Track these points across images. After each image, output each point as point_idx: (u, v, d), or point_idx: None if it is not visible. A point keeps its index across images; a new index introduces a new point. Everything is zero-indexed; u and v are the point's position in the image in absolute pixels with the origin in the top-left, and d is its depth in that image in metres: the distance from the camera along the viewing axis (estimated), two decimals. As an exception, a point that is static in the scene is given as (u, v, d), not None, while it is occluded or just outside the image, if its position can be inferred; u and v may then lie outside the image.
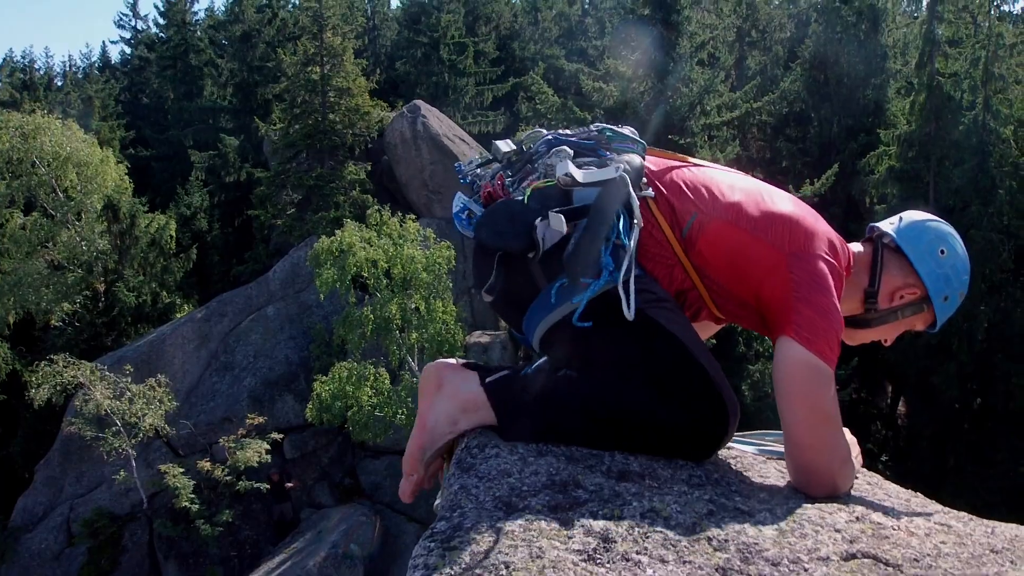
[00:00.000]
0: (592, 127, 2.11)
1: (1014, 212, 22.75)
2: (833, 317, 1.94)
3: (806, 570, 1.47)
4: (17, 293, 24.71)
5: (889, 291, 2.20)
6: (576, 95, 27.48)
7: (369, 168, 26.45)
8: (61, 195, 25.86)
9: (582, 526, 1.52)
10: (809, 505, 1.76)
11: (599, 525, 1.53)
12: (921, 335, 16.30)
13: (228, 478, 17.53)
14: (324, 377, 16.13)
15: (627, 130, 2.11)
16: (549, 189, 1.94)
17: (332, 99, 26.31)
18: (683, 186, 2.04)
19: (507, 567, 1.37)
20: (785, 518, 1.67)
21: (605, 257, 1.89)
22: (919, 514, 1.85)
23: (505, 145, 2.13)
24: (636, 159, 2.01)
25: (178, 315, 25.26)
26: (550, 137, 2.06)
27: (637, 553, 1.45)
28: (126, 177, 27.72)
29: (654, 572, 1.40)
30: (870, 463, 27.81)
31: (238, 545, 18.53)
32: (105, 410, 17.49)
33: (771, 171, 31.91)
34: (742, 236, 1.99)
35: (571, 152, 1.99)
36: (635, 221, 1.91)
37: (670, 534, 1.53)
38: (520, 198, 1.97)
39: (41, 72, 40.49)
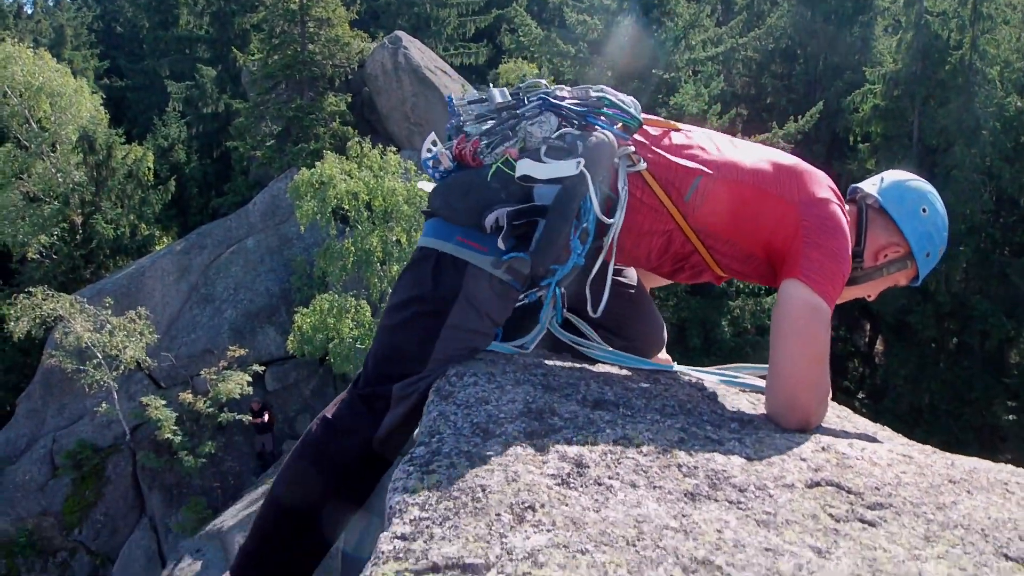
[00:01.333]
0: (592, 92, 2.10)
1: (997, 153, 22.81)
2: (841, 259, 2.02)
3: (771, 496, 1.52)
4: (-8, 225, 24.48)
5: (874, 250, 2.29)
6: (560, 27, 27.11)
7: (349, 100, 26.10)
8: (35, 126, 25.40)
9: (557, 452, 1.56)
10: (777, 435, 1.82)
11: (573, 451, 1.57)
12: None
13: (210, 410, 17.62)
14: (305, 309, 16.13)
15: (628, 100, 2.11)
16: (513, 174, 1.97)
17: (312, 29, 25.81)
18: (682, 152, 2.09)
19: (483, 490, 1.41)
20: (753, 447, 1.72)
21: (573, 240, 1.96)
22: (883, 446, 1.91)
23: (500, 95, 2.12)
24: (608, 141, 1.98)
25: (157, 247, 25.11)
26: (542, 99, 2.05)
27: (609, 478, 1.50)
28: (101, 108, 27.22)
29: (625, 496, 1.45)
30: (846, 400, 28.34)
31: (221, 476, 18.71)
32: (86, 343, 17.45)
33: (755, 107, 31.80)
34: (748, 192, 2.06)
35: (551, 126, 1.99)
36: (586, 221, 1.96)
37: (642, 460, 1.57)
38: (487, 168, 1.99)
39: (10, 0, 39.40)
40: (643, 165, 2.04)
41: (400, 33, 27.44)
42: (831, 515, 1.49)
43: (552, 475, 1.48)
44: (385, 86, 26.29)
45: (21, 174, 25.09)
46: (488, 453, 1.54)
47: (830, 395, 2.08)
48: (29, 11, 42.78)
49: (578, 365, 2.16)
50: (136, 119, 34.30)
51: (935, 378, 23.18)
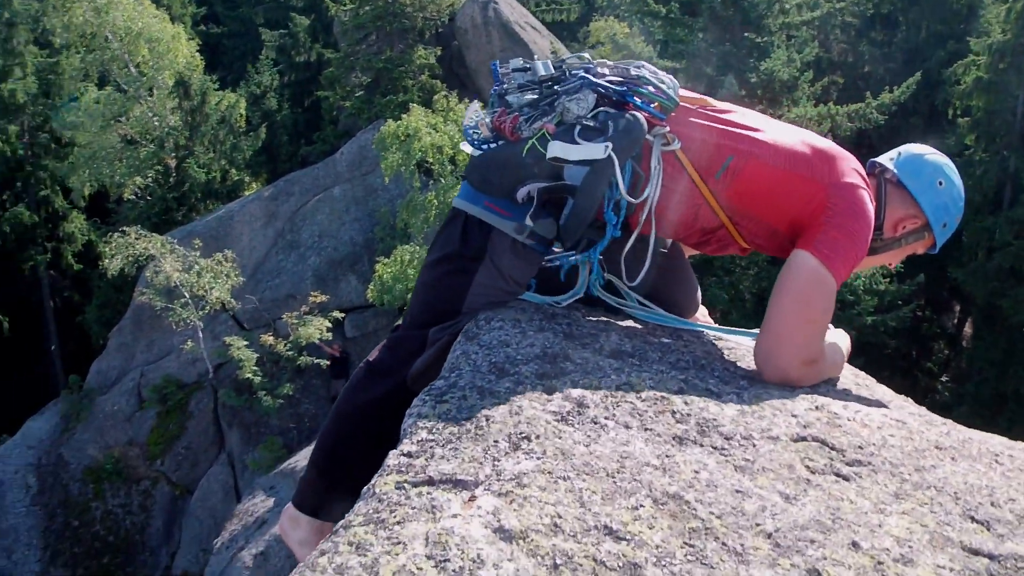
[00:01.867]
0: (633, 70, 2.19)
1: (1102, 131, 21.78)
2: (858, 242, 2.11)
3: (755, 446, 1.64)
4: (92, 166, 25.45)
5: (893, 222, 2.37)
6: (653, -13, 26.69)
7: (439, 53, 26.21)
8: (133, 70, 26.22)
9: (561, 392, 1.71)
10: (777, 393, 1.92)
11: (577, 392, 1.71)
12: (992, 257, 15.81)
13: (290, 353, 18.22)
14: (386, 259, 16.47)
15: (667, 80, 2.20)
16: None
17: (403, -21, 25.95)
18: (716, 131, 2.18)
19: (487, 420, 1.57)
20: (750, 402, 1.83)
21: (608, 212, 2.08)
22: (879, 410, 1.99)
23: (543, 68, 2.22)
24: (639, 123, 2.06)
25: (246, 193, 25.80)
26: (582, 77, 2.14)
27: (606, 418, 1.64)
28: (197, 54, 27.92)
29: (616, 435, 1.59)
30: (929, 382, 27.70)
31: (297, 418, 19.38)
32: (175, 282, 18.18)
33: (851, 76, 30.84)
34: (778, 173, 2.15)
35: (588, 104, 2.08)
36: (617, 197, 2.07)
37: (639, 405, 1.71)
38: (522, 143, 2.08)
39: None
40: (677, 145, 2.13)
41: (491, -13, 27.39)
42: (808, 467, 1.61)
43: (553, 412, 1.63)
44: (474, 40, 26.34)
45: (119, 117, 25.96)
46: (498, 389, 1.70)
47: (819, 363, 2.12)
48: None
49: (605, 318, 2.28)
50: (231, 65, 35.04)
51: (1023, 366, 22.47)
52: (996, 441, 2.04)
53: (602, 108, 2.10)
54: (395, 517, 1.30)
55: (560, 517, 1.32)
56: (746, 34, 21.67)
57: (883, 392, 2.42)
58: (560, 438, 1.54)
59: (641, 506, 1.38)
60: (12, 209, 27.77)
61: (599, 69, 2.20)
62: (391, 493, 1.37)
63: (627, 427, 1.62)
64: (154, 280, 18.39)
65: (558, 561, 1.23)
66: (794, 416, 1.79)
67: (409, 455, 1.47)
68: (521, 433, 1.53)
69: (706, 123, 2.19)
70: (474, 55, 26.46)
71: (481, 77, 26.37)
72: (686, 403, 1.75)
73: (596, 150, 2.00)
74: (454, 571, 1.18)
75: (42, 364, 28.08)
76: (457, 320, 2.13)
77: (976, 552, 1.46)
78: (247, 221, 22.16)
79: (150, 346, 21.15)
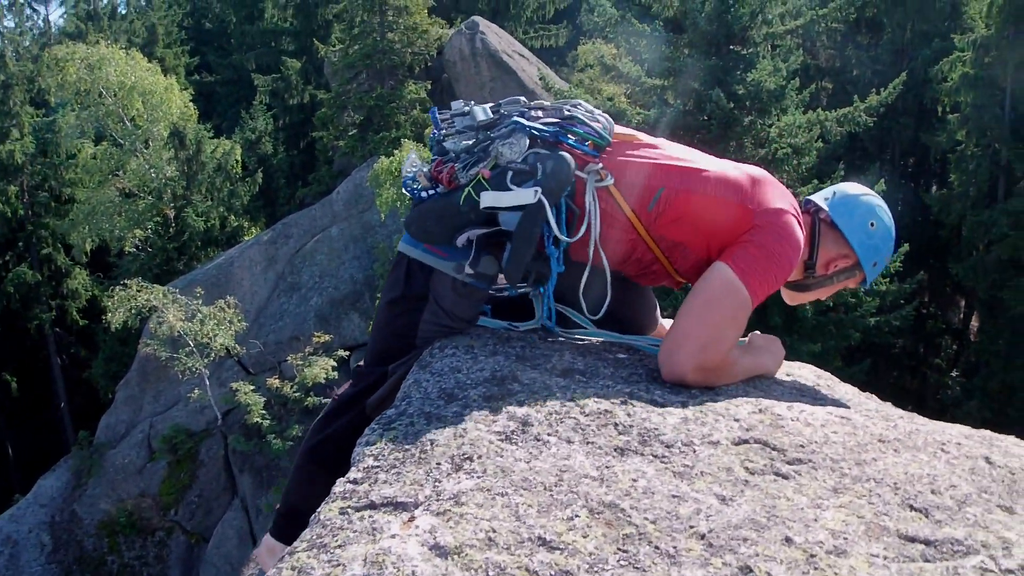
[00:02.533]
0: (567, 110, 2.25)
1: (1094, 121, 21.85)
2: (778, 261, 2.16)
3: (695, 451, 1.69)
4: (92, 221, 25.62)
5: (825, 261, 2.45)
6: (637, 6, 26.89)
7: (429, 87, 26.46)
8: (128, 124, 26.47)
9: (507, 412, 1.76)
10: (722, 400, 1.97)
11: (522, 411, 1.76)
12: (991, 250, 15.80)
13: (297, 394, 18.25)
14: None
15: (601, 118, 2.27)
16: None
17: (390, 18, 26.21)
18: (647, 166, 2.24)
19: (431, 443, 1.62)
20: (694, 410, 1.88)
21: (548, 247, 2.14)
22: (823, 408, 2.03)
23: (482, 112, 2.28)
24: (566, 163, 2.11)
25: (246, 238, 25.95)
26: (514, 121, 2.20)
27: (548, 435, 1.69)
28: (191, 104, 28.18)
29: (557, 450, 1.63)
30: (938, 378, 27.56)
31: (308, 458, 19.34)
32: (178, 331, 18.26)
33: (840, 80, 31.02)
34: (708, 201, 2.21)
35: (521, 148, 2.13)
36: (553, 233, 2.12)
37: (582, 420, 1.76)
38: (459, 191, 2.15)
39: (105, 1, 40.94)
40: (610, 181, 2.18)
41: (477, 18, 27.65)
42: (747, 468, 1.65)
43: (497, 432, 1.68)
44: (463, 72, 26.59)
45: (117, 171, 26.20)
46: (446, 414, 1.75)
47: (721, 370, 2.13)
48: (123, 11, 44.41)
49: (561, 339, 2.33)
50: (225, 112, 35.36)
51: (1028, 355, 22.38)
52: (953, 431, 2.08)
53: (533, 151, 2.15)
54: (336, 541, 1.35)
55: (495, 531, 1.36)
56: (731, 47, 21.83)
57: (844, 391, 2.46)
58: (502, 456, 1.59)
59: (576, 516, 1.42)
60: (15, 269, 27.98)
61: (534, 112, 2.26)
62: (334, 518, 1.42)
63: (569, 442, 1.67)
64: (158, 331, 18.47)
65: (491, 573, 1.27)
66: (736, 420, 1.84)
67: (355, 482, 1.52)
68: (464, 454, 1.58)
69: (638, 158, 2.24)
70: (464, 86, 26.68)
71: (472, 108, 26.53)
72: (629, 415, 1.80)
73: (526, 195, 2.05)
74: (389, 589, 1.23)
75: (52, 421, 28.16)
76: (412, 354, 2.20)
77: (912, 539, 1.50)
78: (247, 266, 22.28)
79: (157, 397, 21.20)
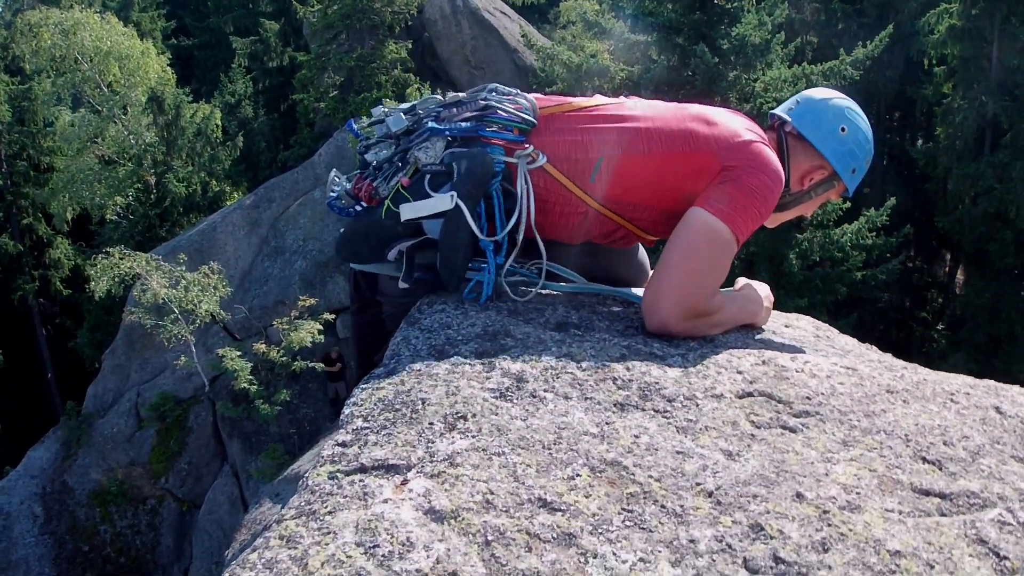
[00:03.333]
0: (481, 99, 2.15)
1: (1082, 73, 21.74)
2: (758, 195, 2.04)
3: (697, 405, 1.61)
4: (72, 189, 25.31)
5: (799, 176, 2.33)
6: (620, -39, 26.51)
7: (410, 46, 26.06)
8: (106, 90, 26.02)
9: (501, 369, 1.68)
10: (724, 351, 1.90)
11: (516, 367, 1.68)
12: (977, 203, 15.78)
13: (284, 359, 18.14)
14: (372, 257, 16.40)
15: (524, 101, 2.16)
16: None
17: (369, -24, 25.79)
18: (581, 135, 2.13)
19: (423, 402, 1.54)
20: (695, 363, 1.80)
21: (483, 242, 2.03)
22: (827, 359, 1.97)
23: (396, 121, 2.16)
24: (480, 159, 2.02)
25: (228, 203, 25.66)
26: (429, 126, 2.09)
27: (544, 391, 1.61)
28: (168, 68, 27.75)
29: (555, 407, 1.56)
30: (925, 332, 27.75)
31: (297, 423, 19.33)
32: (163, 299, 18.08)
33: (825, 34, 30.74)
34: (655, 159, 2.09)
35: (437, 151, 2.05)
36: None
37: (579, 374, 1.68)
38: (381, 207, 2.07)
39: (78, -36, 40.09)
40: (543, 160, 2.08)
41: (458, -24, 27.27)
42: (753, 422, 1.58)
43: (491, 389, 1.60)
44: (444, 31, 26.26)
45: (96, 138, 25.80)
46: (437, 371, 1.67)
47: (707, 318, 2.06)
48: (97, -24, 43.52)
49: (555, 293, 2.25)
50: (204, 77, 34.85)
51: (1014, 307, 22.49)
52: (958, 381, 2.02)
53: (449, 151, 2.06)
54: (326, 507, 1.27)
55: (492, 493, 1.29)
56: (715, 1, 21.59)
57: (845, 342, 2.40)
58: (497, 414, 1.51)
59: (577, 475, 1.35)
60: (-3, 240, 27.68)
61: (449, 110, 2.15)
62: (324, 484, 1.34)
63: (566, 398, 1.59)
64: (142, 299, 18.29)
65: (490, 537, 1.20)
66: (740, 372, 1.77)
67: (344, 444, 1.45)
68: (457, 413, 1.50)
69: (570, 131, 2.14)
70: (445, 45, 26.37)
71: (454, 67, 26.28)
72: (627, 369, 1.72)
73: (443, 201, 1.96)
74: (383, 556, 1.15)
75: (39, 393, 28.01)
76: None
77: (927, 492, 1.44)
78: (230, 231, 22.05)
79: (144, 365, 21.07)
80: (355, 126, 2.30)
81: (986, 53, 24.16)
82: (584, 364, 1.72)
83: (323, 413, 19.41)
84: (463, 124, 2.09)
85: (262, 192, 23.10)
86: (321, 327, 18.34)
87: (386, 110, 2.23)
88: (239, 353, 18.15)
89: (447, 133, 2.07)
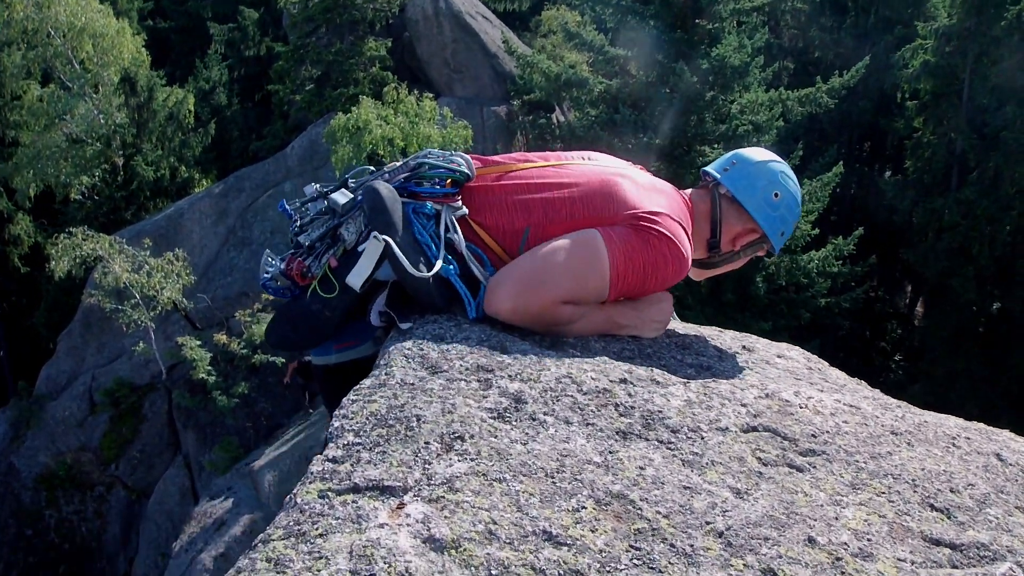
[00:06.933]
0: (413, 160, 2.11)
1: (1049, 115, 22.11)
2: (651, 255, 1.98)
3: (703, 438, 1.55)
4: (36, 166, 24.79)
5: (730, 237, 2.32)
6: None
7: (390, 44, 25.92)
8: (77, 67, 25.60)
9: (498, 387, 1.61)
10: (724, 381, 1.84)
11: (514, 387, 1.61)
12: (941, 237, 15.93)
13: (244, 351, 17.94)
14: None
15: (456, 159, 2.12)
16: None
17: (352, -29, 25.62)
18: (511, 203, 2.08)
19: (418, 419, 1.46)
20: (697, 392, 1.75)
21: (431, 253, 1.97)
22: (831, 396, 1.92)
23: (342, 196, 2.08)
24: (372, 189, 1.98)
25: (196, 190, 25.35)
26: (357, 199, 2.05)
27: (544, 414, 1.54)
28: (143, 49, 27.34)
29: (556, 432, 1.49)
30: (883, 362, 28.09)
31: (254, 417, 19.11)
32: (124, 283, 17.81)
33: (802, 61, 31.12)
34: (577, 224, 2.03)
35: (360, 225, 2.01)
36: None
37: (580, 398, 1.61)
38: (310, 282, 2.02)
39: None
40: (464, 211, 2.05)
41: (441, -22, 27.16)
42: (759, 459, 1.52)
43: (489, 409, 1.53)
44: (425, 32, 26.12)
45: (64, 115, 25.36)
46: (431, 386, 1.59)
47: (546, 318, 1.96)
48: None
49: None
50: (178, 61, 34.35)
51: (974, 342, 22.81)
52: (952, 423, 1.99)
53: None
54: (317, 529, 1.19)
55: (495, 523, 1.22)
56: (697, 21, 21.72)
57: (836, 376, 2.36)
58: (495, 437, 1.44)
59: (583, 508, 1.28)
60: (-44, 212, 27.03)
61: (384, 176, 2.11)
62: (314, 503, 1.26)
63: (567, 423, 1.53)
64: (103, 281, 17.99)
65: (493, 571, 1.13)
66: (743, 405, 1.71)
67: (334, 460, 1.36)
68: (454, 433, 1.43)
69: (500, 200, 2.09)
70: (425, 46, 26.25)
71: (432, 69, 26.16)
72: (630, 396, 1.66)
73: (374, 246, 1.91)
74: (378, 588, 1.08)
75: (-10, 370, 27.42)
76: None
77: (937, 542, 1.39)
78: (197, 219, 21.78)
79: (101, 349, 20.71)
80: (288, 207, 2.20)
81: (957, 91, 24.56)
82: (584, 387, 1.65)
83: (281, 408, 19.20)
84: (396, 183, 2.07)
85: (232, 181, 22.84)
86: (284, 322, 18.10)
87: (317, 187, 2.17)
88: (199, 343, 17.94)
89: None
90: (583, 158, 2.26)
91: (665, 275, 2.02)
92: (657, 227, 1.99)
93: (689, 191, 2.35)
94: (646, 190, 2.10)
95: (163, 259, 18.38)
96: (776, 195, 2.27)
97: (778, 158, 2.36)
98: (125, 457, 19.23)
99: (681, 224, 2.07)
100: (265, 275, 2.14)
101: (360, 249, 1.94)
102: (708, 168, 2.37)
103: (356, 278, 1.91)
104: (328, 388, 2.25)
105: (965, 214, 21.49)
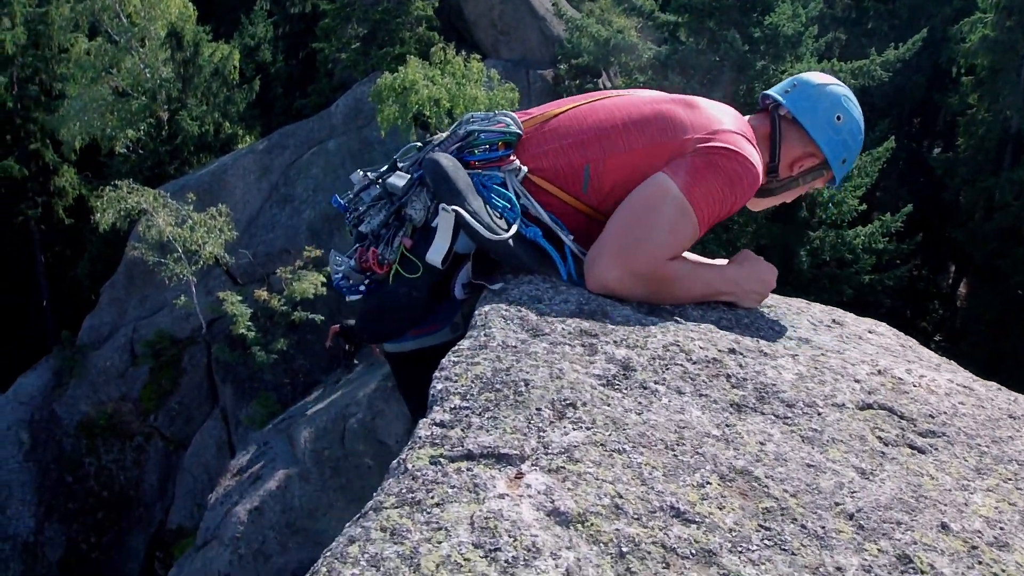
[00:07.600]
0: (460, 129, 2.06)
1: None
2: (725, 177, 1.93)
3: (820, 414, 1.49)
4: (82, 119, 24.93)
5: (789, 161, 2.23)
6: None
7: (437, 5, 25.71)
8: (125, 20, 25.65)
9: (604, 353, 1.55)
10: (833, 356, 1.77)
11: (621, 353, 1.55)
12: (992, 217, 15.59)
13: (284, 308, 18.04)
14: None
15: (503, 119, 2.05)
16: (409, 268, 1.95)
17: (401, -71, 25.38)
18: (565, 150, 2.02)
19: (526, 384, 1.41)
20: (807, 365, 1.68)
21: (509, 215, 1.92)
22: (942, 375, 1.84)
23: (399, 179, 2.03)
24: (433, 161, 1.93)
25: (240, 146, 25.41)
26: (415, 177, 2.00)
27: (655, 383, 1.48)
28: (190, 4, 27.32)
29: (669, 402, 1.43)
30: (923, 342, 27.62)
31: (291, 373, 19.27)
32: (167, 236, 17.95)
33: (855, 32, 30.42)
34: (639, 153, 1.97)
35: (425, 199, 1.96)
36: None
37: (690, 368, 1.55)
38: (389, 268, 1.97)
39: None
40: (524, 171, 1.99)
41: (489, -61, 26.83)
42: (880, 438, 1.45)
43: (597, 375, 1.47)
44: (473, -9, 25.94)
45: (111, 68, 25.46)
46: (535, 350, 1.53)
47: (656, 280, 1.91)
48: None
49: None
50: (224, 16, 34.31)
51: (1021, 325, 22.38)
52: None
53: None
54: (433, 498, 1.14)
55: (621, 497, 1.16)
56: (749, -12, 21.27)
57: (928, 355, 2.27)
58: (608, 405, 1.38)
59: (708, 483, 1.22)
60: (2, 163, 27.27)
61: (432, 151, 2.04)
62: (425, 469, 1.20)
63: (680, 392, 1.46)
64: (146, 234, 18.15)
65: (624, 548, 1.08)
66: (857, 381, 1.64)
67: (442, 424, 1.31)
68: (565, 400, 1.37)
69: (554, 143, 2.03)
70: (472, 7, 26.01)
71: (479, 30, 25.94)
72: (740, 366, 1.59)
73: (445, 218, 1.85)
74: (506, 562, 1.03)
75: (34, 319, 27.84)
76: None
77: (1070, 534, 1.32)
78: (241, 175, 21.85)
79: (143, 301, 20.94)
80: (340, 200, 2.14)
81: (1016, 67, 23.89)
82: (693, 356, 1.59)
83: (319, 366, 19.34)
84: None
85: (276, 138, 22.86)
86: (325, 279, 18.20)
87: (363, 174, 2.12)
88: (240, 298, 18.06)
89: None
90: (619, 94, 2.19)
91: (743, 189, 1.97)
92: (721, 146, 1.94)
93: (747, 117, 2.26)
94: (700, 111, 2.04)
95: (206, 214, 18.49)
96: (839, 118, 2.19)
97: (840, 82, 2.27)
98: (164, 409, 19.51)
99: (743, 135, 2.01)
100: (336, 275, 2.09)
101: (433, 225, 1.89)
102: (768, 92, 2.29)
103: (435, 255, 1.87)
104: (402, 375, 2.25)
105: (1018, 194, 21.01)
